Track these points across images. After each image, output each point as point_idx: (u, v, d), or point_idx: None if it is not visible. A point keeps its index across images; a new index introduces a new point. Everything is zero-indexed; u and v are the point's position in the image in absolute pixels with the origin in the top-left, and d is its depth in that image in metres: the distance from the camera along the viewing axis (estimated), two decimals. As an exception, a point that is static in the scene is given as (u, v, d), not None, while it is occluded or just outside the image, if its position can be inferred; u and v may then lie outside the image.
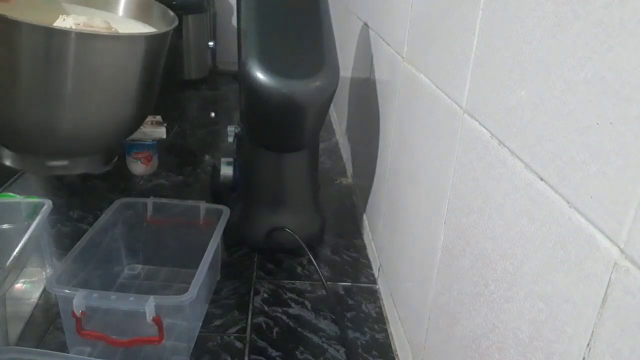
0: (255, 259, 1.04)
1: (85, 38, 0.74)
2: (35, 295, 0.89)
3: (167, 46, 0.91)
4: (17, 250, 0.78)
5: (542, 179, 0.41)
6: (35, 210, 0.90)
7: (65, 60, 0.73)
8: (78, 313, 0.70)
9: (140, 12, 0.99)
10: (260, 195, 1.05)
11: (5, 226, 0.89)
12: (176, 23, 0.90)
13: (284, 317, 0.88)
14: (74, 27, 0.79)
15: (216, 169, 1.13)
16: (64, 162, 0.83)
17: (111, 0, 1.00)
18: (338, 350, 0.81)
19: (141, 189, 1.31)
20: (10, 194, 1.03)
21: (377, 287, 0.98)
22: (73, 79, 0.75)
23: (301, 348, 0.82)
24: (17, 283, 0.87)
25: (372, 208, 1.09)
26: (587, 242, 0.35)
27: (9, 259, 0.76)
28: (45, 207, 0.90)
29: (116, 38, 0.78)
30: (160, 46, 0.86)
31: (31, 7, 0.86)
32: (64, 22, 0.80)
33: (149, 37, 0.82)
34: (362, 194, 1.19)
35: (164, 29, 0.89)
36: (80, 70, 0.75)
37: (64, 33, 0.73)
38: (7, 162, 0.83)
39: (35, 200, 0.94)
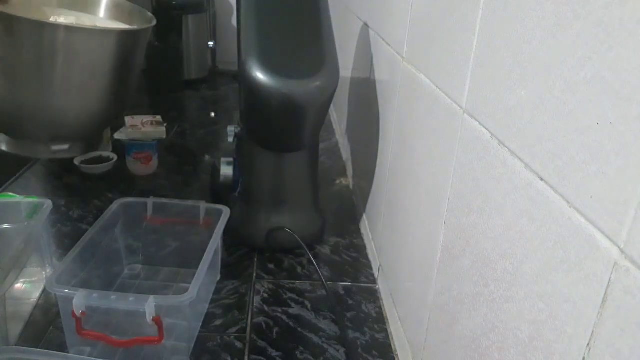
0: (255, 259, 1.04)
1: (73, 31, 0.86)
2: (35, 295, 0.89)
3: (144, 45, 1.03)
4: (16, 250, 0.78)
5: (542, 179, 0.41)
6: (35, 210, 0.90)
7: (55, 50, 0.85)
8: (78, 313, 0.70)
9: (121, 14, 1.11)
10: (260, 195, 1.05)
11: (5, 226, 0.89)
12: (154, 23, 1.02)
13: (284, 317, 0.88)
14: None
15: (216, 169, 1.13)
16: (50, 147, 0.93)
17: (94, 3, 1.10)
18: (338, 350, 0.81)
19: (141, 189, 1.31)
20: (10, 194, 1.03)
21: (377, 287, 0.98)
22: (62, 68, 0.87)
23: (301, 348, 0.82)
24: (17, 283, 0.87)
25: (372, 208, 1.09)
26: (587, 242, 0.35)
27: (8, 258, 0.77)
28: (45, 207, 0.90)
29: (97, 31, 0.91)
30: (135, 42, 0.98)
31: (26, 10, 0.94)
32: (55, 21, 0.88)
33: (124, 32, 0.94)
34: (362, 194, 1.19)
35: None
36: (68, 59, 0.87)
37: (55, 26, 0.86)
38: (3, 147, 0.92)
39: (35, 200, 0.94)
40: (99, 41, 0.90)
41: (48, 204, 0.91)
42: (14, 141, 0.96)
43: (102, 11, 1.10)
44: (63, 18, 0.92)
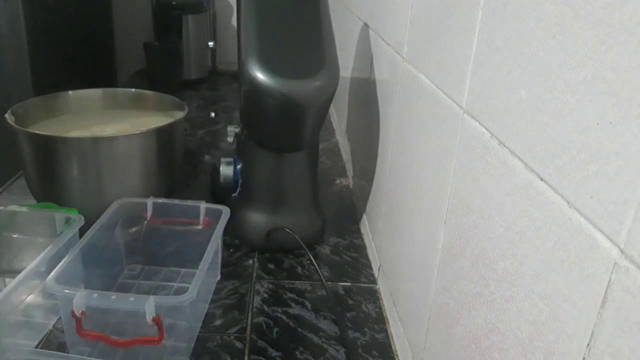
0: (255, 259, 1.04)
1: (112, 140, 1.01)
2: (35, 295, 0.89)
3: (182, 129, 1.17)
4: (34, 263, 0.77)
5: (542, 179, 0.41)
6: (69, 224, 0.88)
7: (98, 158, 1.00)
8: (78, 313, 0.70)
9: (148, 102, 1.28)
10: (260, 195, 1.05)
11: (36, 237, 0.90)
12: (186, 110, 1.16)
13: (284, 317, 0.88)
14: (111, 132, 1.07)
15: (216, 169, 1.13)
16: None
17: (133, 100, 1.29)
18: (338, 351, 0.81)
19: (141, 189, 1.31)
20: (50, 203, 0.98)
21: (377, 287, 0.98)
22: (106, 172, 1.01)
23: (301, 348, 0.82)
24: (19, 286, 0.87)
25: (372, 208, 1.09)
26: (587, 242, 0.35)
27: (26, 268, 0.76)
28: (76, 221, 0.88)
29: (136, 135, 1.03)
30: (173, 130, 1.10)
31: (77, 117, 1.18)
32: (102, 132, 1.07)
33: (161, 128, 1.06)
34: (362, 194, 1.19)
35: (176, 116, 1.16)
36: (111, 163, 1.01)
37: (96, 139, 1.01)
38: None
39: (70, 214, 0.91)
40: (138, 142, 1.03)
41: (80, 218, 0.89)
42: None
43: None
44: (109, 128, 1.06)
